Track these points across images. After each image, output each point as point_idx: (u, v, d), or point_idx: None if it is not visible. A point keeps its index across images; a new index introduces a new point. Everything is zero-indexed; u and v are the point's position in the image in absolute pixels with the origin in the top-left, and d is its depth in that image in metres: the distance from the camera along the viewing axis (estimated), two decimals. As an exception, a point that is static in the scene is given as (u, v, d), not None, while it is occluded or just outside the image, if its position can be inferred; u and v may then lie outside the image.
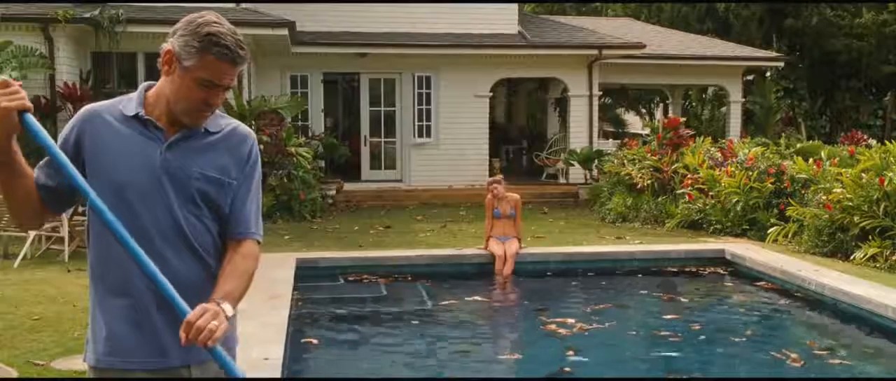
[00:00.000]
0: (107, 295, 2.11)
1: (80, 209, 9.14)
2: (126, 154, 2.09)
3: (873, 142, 17.82)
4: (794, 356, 5.75)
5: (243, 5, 13.55)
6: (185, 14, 2.14)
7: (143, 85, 2.19)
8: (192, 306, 1.95)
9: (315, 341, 6.15)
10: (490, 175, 16.15)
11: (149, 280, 1.98)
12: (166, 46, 2.08)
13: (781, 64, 20.90)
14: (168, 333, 2.06)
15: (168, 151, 2.12)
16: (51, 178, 2.07)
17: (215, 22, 2.05)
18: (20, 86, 1.94)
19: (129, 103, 2.14)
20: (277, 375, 4.70)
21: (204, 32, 2.03)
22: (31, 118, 1.95)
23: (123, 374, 2.11)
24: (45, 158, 2.07)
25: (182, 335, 1.90)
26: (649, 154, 13.16)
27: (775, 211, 10.47)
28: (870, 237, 8.54)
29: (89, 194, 1.99)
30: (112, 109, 2.14)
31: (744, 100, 19.90)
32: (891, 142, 10.55)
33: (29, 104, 1.93)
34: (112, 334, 2.10)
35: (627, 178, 13.00)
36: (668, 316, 7.02)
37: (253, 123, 13.02)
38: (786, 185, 10.67)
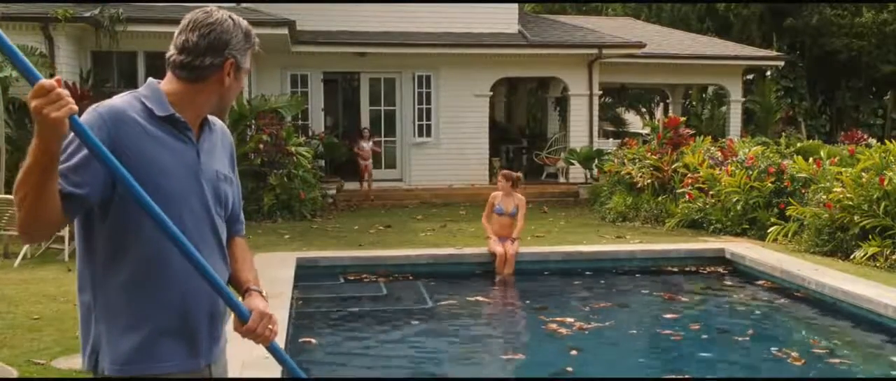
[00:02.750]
0: (144, 301, 2.00)
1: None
2: (167, 158, 2.01)
3: (873, 141, 17.82)
4: (794, 355, 5.76)
5: (243, 4, 13.53)
6: (185, 13, 2.13)
7: (153, 82, 2.10)
8: (219, 308, 2.11)
9: (315, 340, 6.15)
10: (490, 175, 16.20)
11: (184, 282, 2.01)
12: (229, 61, 2.07)
13: (781, 63, 20.93)
14: (201, 333, 2.08)
15: (201, 152, 2.10)
16: (79, 186, 1.90)
17: (238, 17, 2.12)
18: (59, 82, 1.74)
19: (152, 103, 2.03)
20: (277, 375, 4.70)
21: (245, 31, 2.12)
22: (79, 121, 1.82)
23: (155, 377, 2.04)
24: (67, 165, 1.89)
25: (239, 333, 2.08)
26: (649, 153, 13.16)
27: (775, 210, 10.47)
28: (870, 237, 8.54)
29: (151, 204, 1.88)
30: (134, 107, 2.01)
31: (744, 99, 19.90)
32: (891, 141, 10.55)
33: (76, 107, 1.78)
34: (149, 339, 2.01)
35: (627, 177, 13.00)
36: (669, 315, 7.02)
37: (253, 122, 13.04)
38: (786, 184, 10.67)
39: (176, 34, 2.08)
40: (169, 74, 2.10)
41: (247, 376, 4.55)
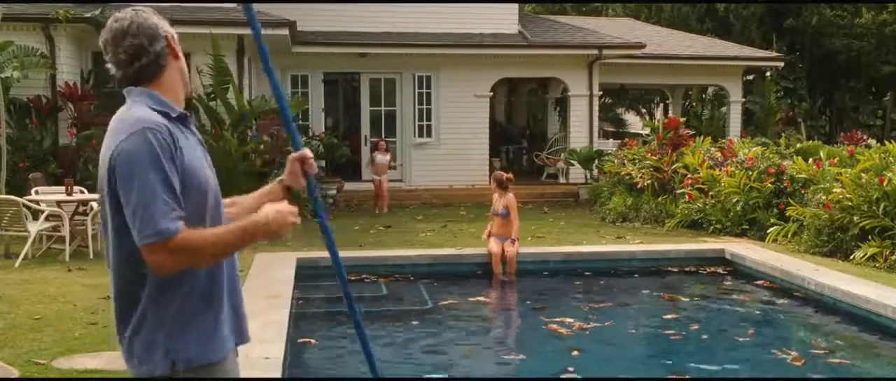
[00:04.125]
0: (208, 295, 2.11)
1: (81, 209, 9.15)
2: (193, 153, 2.10)
3: (873, 142, 17.84)
4: (794, 355, 5.77)
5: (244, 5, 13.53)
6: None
7: (142, 90, 2.11)
8: (241, 293, 2.31)
9: (315, 340, 6.16)
10: (490, 175, 16.18)
11: (228, 271, 2.17)
12: (167, 33, 2.14)
13: (781, 64, 20.92)
14: (242, 314, 2.26)
15: (200, 141, 2.20)
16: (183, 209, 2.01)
17: (136, 5, 2.18)
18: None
19: (163, 106, 2.09)
20: (277, 374, 4.72)
21: (150, 9, 2.16)
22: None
23: (210, 362, 2.13)
24: (175, 201, 1.96)
25: (300, 166, 2.42)
26: (649, 154, 13.17)
27: (775, 211, 10.48)
28: (869, 237, 8.55)
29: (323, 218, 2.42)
30: (160, 116, 2.06)
31: (744, 100, 19.91)
32: (890, 142, 10.57)
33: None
34: (215, 327, 2.13)
35: (627, 178, 13.01)
36: (668, 316, 7.03)
37: (253, 122, 13.05)
38: (785, 185, 10.68)
39: (112, 54, 2.11)
40: (133, 85, 2.12)
41: (246, 376, 4.55)
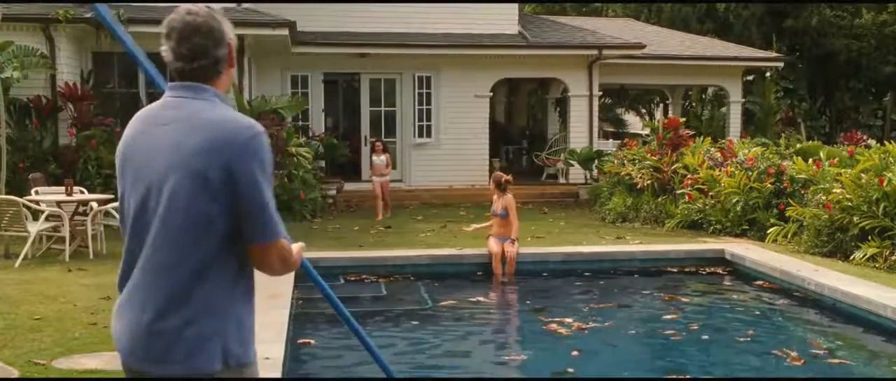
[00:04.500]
0: (251, 299, 2.18)
1: (81, 209, 9.16)
2: None
3: (873, 142, 17.85)
4: (794, 355, 5.76)
5: (244, 5, 13.55)
6: None
7: (214, 90, 2.12)
8: None
9: (314, 341, 6.16)
10: (490, 175, 16.18)
11: None
12: (231, 41, 2.15)
13: (781, 64, 20.94)
14: None
15: None
16: None
17: (204, 5, 2.17)
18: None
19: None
20: (277, 375, 4.72)
21: (220, 11, 2.15)
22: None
23: (248, 362, 2.17)
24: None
25: None
26: (649, 154, 13.17)
27: (775, 211, 10.49)
28: (869, 237, 8.55)
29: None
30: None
31: (744, 100, 19.91)
32: (890, 142, 10.57)
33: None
34: (253, 328, 2.19)
35: (627, 178, 13.01)
36: (668, 316, 7.03)
37: (253, 123, 13.05)
38: (785, 185, 10.68)
39: (175, 45, 2.07)
40: (197, 83, 2.10)
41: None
